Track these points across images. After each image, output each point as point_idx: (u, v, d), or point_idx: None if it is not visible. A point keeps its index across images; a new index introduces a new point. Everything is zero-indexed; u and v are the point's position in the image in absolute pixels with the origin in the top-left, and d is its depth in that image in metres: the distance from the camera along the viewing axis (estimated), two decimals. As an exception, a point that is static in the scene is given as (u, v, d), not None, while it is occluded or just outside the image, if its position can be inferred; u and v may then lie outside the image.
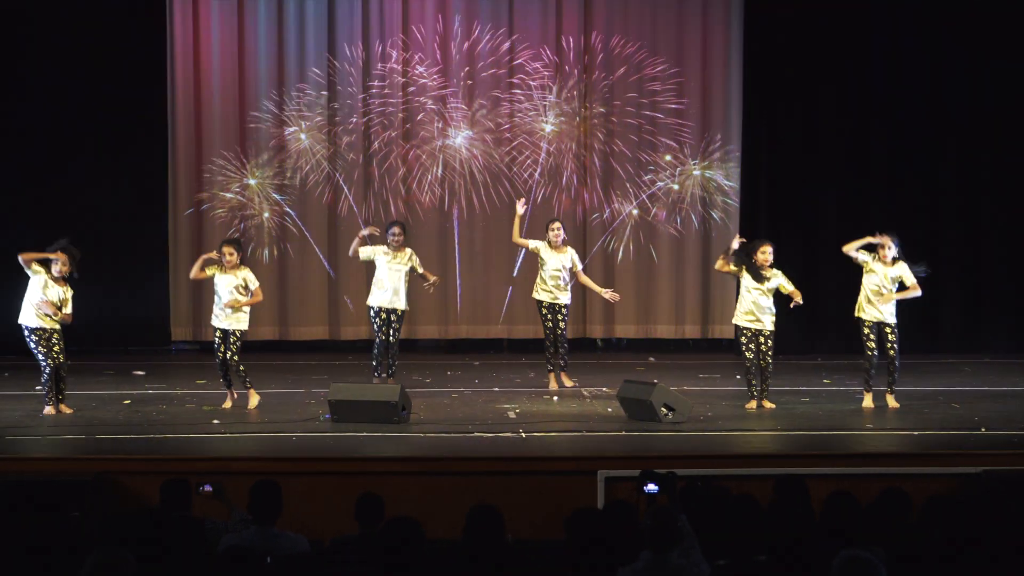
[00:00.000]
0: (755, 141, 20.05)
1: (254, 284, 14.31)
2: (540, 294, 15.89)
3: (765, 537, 7.47)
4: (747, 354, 14.13)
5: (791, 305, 14.13)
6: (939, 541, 7.38)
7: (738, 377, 14.74)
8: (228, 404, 14.37)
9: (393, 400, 13.10)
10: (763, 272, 14.04)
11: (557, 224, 16.00)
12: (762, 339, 14.08)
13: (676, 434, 12.62)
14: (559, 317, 15.82)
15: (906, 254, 14.17)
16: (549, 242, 15.88)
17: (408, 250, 15.78)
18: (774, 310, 14.17)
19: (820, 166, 19.93)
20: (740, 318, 14.22)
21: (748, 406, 14.11)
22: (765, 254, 14.08)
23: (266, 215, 20.13)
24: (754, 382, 14.13)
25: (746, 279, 14.14)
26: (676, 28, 20.23)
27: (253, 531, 8.18)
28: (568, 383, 15.93)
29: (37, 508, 8.22)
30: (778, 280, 14.08)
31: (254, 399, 14.37)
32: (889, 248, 13.98)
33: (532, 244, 16.07)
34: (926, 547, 7.31)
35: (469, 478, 11.23)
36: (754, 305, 14.04)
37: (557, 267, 15.78)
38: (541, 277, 15.89)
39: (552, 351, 15.97)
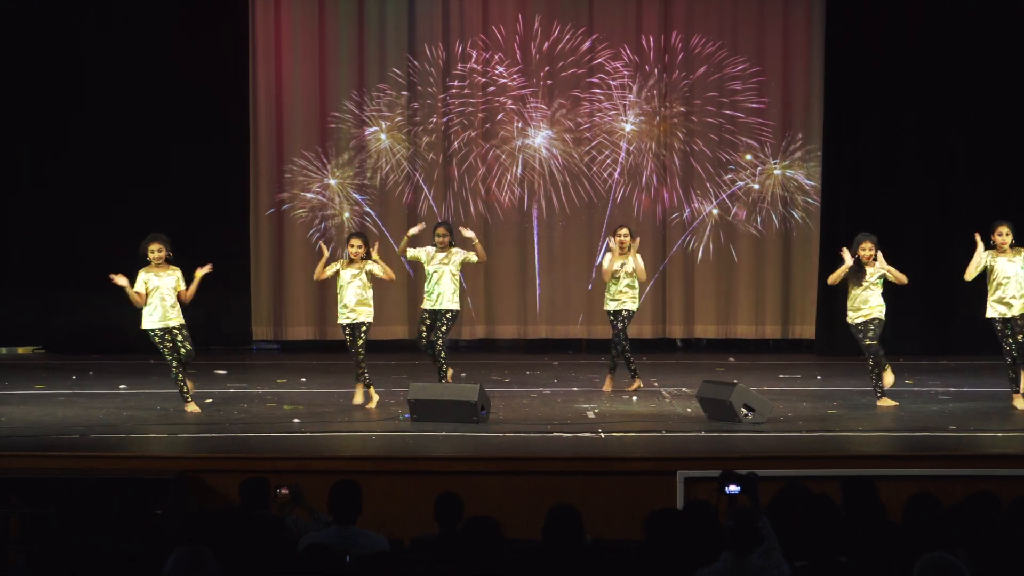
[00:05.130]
0: (837, 140, 19.92)
1: (379, 269, 14.38)
2: (609, 304, 15.62)
3: (846, 538, 7.40)
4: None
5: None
6: (1021, 544, 7.30)
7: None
8: (360, 399, 14.45)
9: (472, 400, 13.10)
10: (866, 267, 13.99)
11: (625, 230, 15.65)
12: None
13: (756, 435, 12.55)
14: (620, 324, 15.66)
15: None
16: (613, 249, 15.69)
17: (453, 249, 15.15)
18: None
19: (903, 164, 19.76)
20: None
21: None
22: (865, 251, 14.00)
23: (346, 215, 20.24)
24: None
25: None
26: (757, 27, 20.14)
27: (333, 530, 8.20)
28: (608, 388, 15.78)
29: (120, 506, 8.28)
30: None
31: (374, 397, 14.46)
32: (1008, 235, 13.77)
33: (606, 264, 15.62)
34: (1011, 550, 7.22)
35: (548, 478, 11.21)
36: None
37: (621, 273, 15.58)
38: (607, 286, 15.66)
39: (617, 357, 15.83)
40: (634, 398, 15.05)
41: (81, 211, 19.70)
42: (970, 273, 13.90)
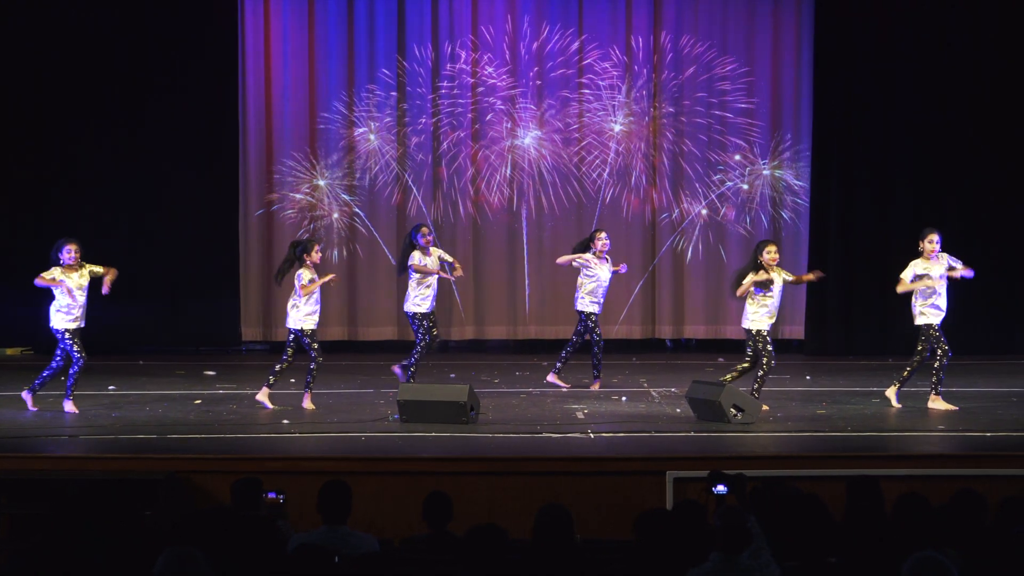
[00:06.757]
0: (826, 140, 19.93)
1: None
2: (590, 306, 15.69)
3: (836, 538, 7.41)
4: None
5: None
6: (1013, 542, 7.31)
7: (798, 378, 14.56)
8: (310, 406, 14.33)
9: (462, 400, 13.11)
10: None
11: (605, 233, 15.87)
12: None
13: (745, 435, 12.56)
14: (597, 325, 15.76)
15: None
16: (596, 253, 15.71)
17: (432, 248, 15.37)
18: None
19: (892, 165, 19.77)
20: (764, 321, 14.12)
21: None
22: (771, 253, 14.03)
23: (335, 216, 20.23)
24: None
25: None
26: (746, 27, 20.17)
27: (323, 530, 8.20)
28: (595, 387, 15.87)
29: (110, 506, 8.27)
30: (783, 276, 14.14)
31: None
32: (935, 242, 13.82)
33: (579, 261, 15.72)
34: (1000, 548, 7.23)
35: (538, 478, 11.21)
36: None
37: (605, 279, 15.66)
38: (588, 289, 15.67)
39: (601, 356, 15.87)
40: (623, 398, 15.06)
41: (72, 211, 19.65)
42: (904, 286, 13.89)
